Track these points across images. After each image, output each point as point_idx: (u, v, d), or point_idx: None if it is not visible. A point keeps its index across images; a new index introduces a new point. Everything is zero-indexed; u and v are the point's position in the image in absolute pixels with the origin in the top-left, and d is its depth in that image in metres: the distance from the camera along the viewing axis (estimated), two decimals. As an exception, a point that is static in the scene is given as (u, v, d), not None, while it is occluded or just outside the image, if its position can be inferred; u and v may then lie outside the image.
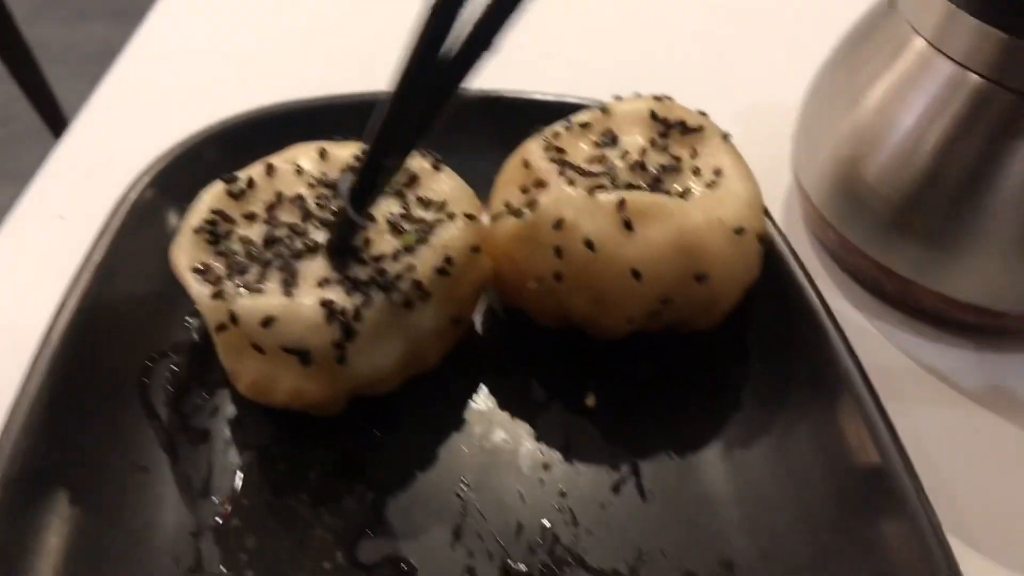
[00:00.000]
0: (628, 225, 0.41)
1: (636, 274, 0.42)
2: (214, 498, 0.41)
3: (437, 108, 0.34)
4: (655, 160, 0.47)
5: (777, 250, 0.48)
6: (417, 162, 0.46)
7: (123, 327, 0.46)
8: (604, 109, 0.49)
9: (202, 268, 0.41)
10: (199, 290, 0.40)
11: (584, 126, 0.48)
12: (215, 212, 0.43)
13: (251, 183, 0.44)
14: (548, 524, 0.41)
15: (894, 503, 0.38)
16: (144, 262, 0.48)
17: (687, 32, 0.78)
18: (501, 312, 0.50)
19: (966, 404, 0.48)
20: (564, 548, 0.40)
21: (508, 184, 0.47)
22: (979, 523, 0.43)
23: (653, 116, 0.48)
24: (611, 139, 0.48)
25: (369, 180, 0.38)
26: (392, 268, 0.41)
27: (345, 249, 0.41)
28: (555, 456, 0.44)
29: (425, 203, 0.44)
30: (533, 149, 0.47)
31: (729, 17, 0.80)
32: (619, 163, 0.46)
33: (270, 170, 0.45)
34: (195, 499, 0.41)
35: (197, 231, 0.42)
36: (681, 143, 0.48)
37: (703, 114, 0.49)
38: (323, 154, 0.46)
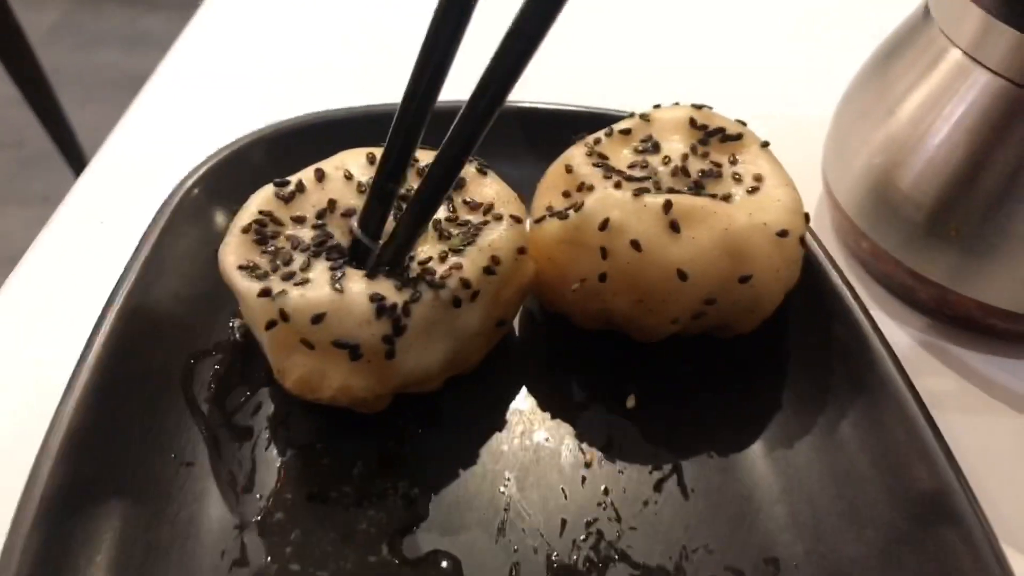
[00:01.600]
0: (674, 227, 0.42)
1: (682, 275, 0.42)
2: (257, 493, 0.42)
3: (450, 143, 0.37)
4: (696, 166, 0.47)
5: (813, 254, 0.49)
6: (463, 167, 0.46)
7: (167, 326, 0.46)
8: (644, 117, 0.50)
9: (248, 265, 0.42)
10: (247, 287, 0.41)
11: (625, 133, 0.49)
12: (263, 213, 0.44)
13: (301, 187, 0.45)
14: (592, 520, 0.41)
15: (942, 503, 0.38)
16: (188, 262, 0.49)
17: (717, 43, 0.79)
18: (539, 314, 0.51)
19: (1004, 411, 0.48)
20: (608, 544, 0.40)
21: (550, 189, 0.48)
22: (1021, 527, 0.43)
23: (692, 123, 0.49)
24: (652, 145, 0.48)
25: (375, 203, 0.41)
26: (439, 268, 0.41)
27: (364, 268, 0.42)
28: (596, 455, 0.44)
29: (472, 206, 0.45)
30: (576, 155, 0.48)
31: (761, 29, 0.81)
32: (661, 168, 0.47)
33: (320, 175, 0.45)
34: (239, 494, 0.41)
35: (245, 230, 0.43)
36: (720, 150, 0.48)
37: (742, 123, 0.50)
38: (372, 159, 0.47)
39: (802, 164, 0.58)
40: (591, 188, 0.44)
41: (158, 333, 0.46)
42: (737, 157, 0.48)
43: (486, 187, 0.46)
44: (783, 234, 0.43)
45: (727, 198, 0.45)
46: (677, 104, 0.51)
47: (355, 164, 0.46)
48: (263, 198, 0.44)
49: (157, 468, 0.42)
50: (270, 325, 0.40)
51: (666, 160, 0.47)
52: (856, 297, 0.46)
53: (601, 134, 0.49)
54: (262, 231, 0.43)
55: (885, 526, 0.39)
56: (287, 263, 0.42)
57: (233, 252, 0.42)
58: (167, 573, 0.38)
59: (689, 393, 0.47)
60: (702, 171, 0.47)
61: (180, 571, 0.38)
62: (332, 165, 0.46)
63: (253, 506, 0.41)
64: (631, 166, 0.47)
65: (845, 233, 0.57)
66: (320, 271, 0.41)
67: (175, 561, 0.39)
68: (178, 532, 0.40)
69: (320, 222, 0.44)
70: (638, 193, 0.43)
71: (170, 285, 0.47)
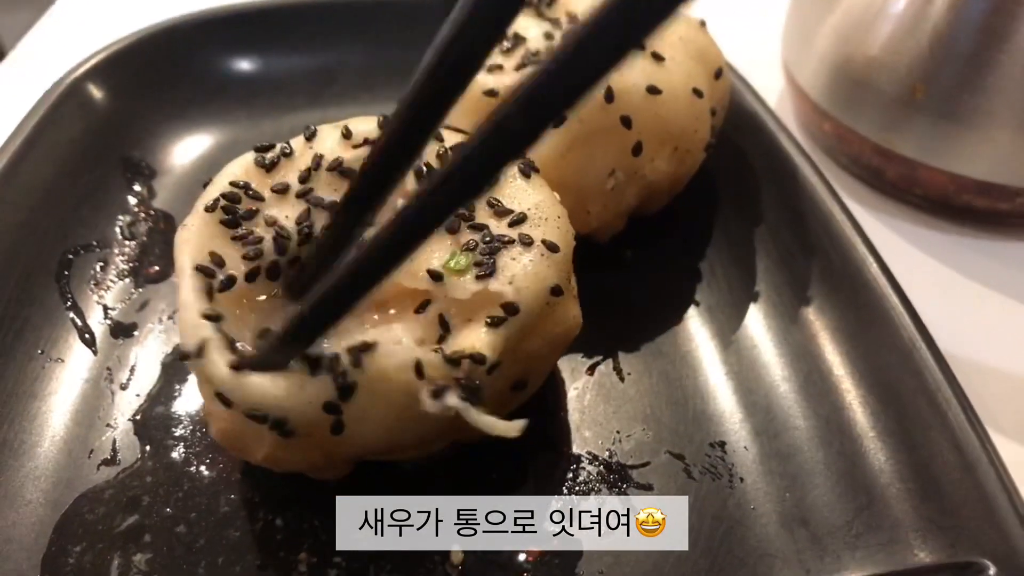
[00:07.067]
0: (656, 56, 0.39)
1: (698, 92, 0.40)
2: (135, 392, 0.37)
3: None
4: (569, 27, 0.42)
5: (763, 125, 0.44)
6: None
7: (41, 217, 0.41)
8: None
9: (210, 265, 0.31)
10: (189, 300, 0.30)
11: None
12: (237, 186, 0.33)
13: (287, 151, 0.35)
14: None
15: (908, 367, 0.33)
16: (70, 153, 0.44)
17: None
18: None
19: (978, 290, 0.44)
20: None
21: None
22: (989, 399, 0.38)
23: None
24: (513, 38, 0.42)
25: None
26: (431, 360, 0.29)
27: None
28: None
29: (498, 211, 0.33)
30: (479, 80, 0.39)
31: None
32: (553, 45, 0.41)
33: (311, 135, 0.36)
34: (115, 392, 0.37)
35: (210, 208, 0.32)
36: (560, 10, 0.43)
37: None
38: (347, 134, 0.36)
39: (761, 60, 0.54)
40: None
41: (30, 224, 0.41)
42: (572, 10, 0.43)
43: (525, 193, 0.33)
44: (703, 24, 0.43)
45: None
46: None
47: (360, 125, 0.36)
48: (240, 167, 0.34)
49: (20, 363, 0.37)
50: (186, 356, 0.29)
51: (548, 35, 0.41)
52: (807, 158, 0.42)
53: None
54: (233, 209, 0.33)
55: (845, 394, 0.35)
56: (254, 258, 0.31)
57: (195, 238, 0.31)
58: (20, 472, 0.33)
59: (626, 276, 0.42)
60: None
61: (39, 470, 0.33)
62: (330, 125, 0.36)
63: (130, 404, 0.36)
64: (525, 58, 0.40)
65: (808, 119, 0.52)
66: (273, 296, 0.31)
67: (33, 459, 0.34)
68: (37, 429, 0.35)
69: (306, 187, 0.34)
70: None
71: (47, 175, 0.42)
